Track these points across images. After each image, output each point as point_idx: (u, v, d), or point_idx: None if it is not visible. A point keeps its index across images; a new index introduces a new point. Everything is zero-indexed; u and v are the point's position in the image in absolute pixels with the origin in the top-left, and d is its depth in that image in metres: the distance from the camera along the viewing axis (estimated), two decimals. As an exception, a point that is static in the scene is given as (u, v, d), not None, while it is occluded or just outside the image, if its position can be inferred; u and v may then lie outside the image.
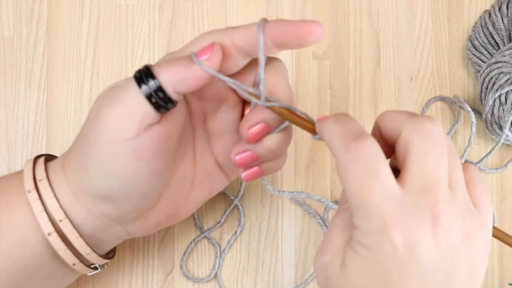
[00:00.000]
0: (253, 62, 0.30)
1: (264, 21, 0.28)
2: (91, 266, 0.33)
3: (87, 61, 0.43)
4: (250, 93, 0.29)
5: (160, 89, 0.27)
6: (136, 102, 0.27)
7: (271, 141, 0.31)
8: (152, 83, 0.27)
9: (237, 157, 0.31)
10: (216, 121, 0.32)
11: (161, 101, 0.27)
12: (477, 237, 0.25)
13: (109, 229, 0.32)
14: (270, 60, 0.31)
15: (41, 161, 0.32)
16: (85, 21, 0.43)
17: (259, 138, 0.30)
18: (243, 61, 0.29)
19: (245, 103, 0.32)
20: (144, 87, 0.27)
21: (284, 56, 0.44)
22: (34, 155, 0.42)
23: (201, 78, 0.27)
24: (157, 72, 0.27)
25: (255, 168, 0.32)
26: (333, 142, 0.25)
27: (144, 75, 0.27)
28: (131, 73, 0.43)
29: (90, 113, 0.30)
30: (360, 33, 0.44)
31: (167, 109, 0.28)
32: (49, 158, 0.34)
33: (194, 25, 0.44)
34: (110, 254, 0.35)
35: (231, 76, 0.30)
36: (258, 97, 0.29)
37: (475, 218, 0.25)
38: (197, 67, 0.27)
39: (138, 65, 0.43)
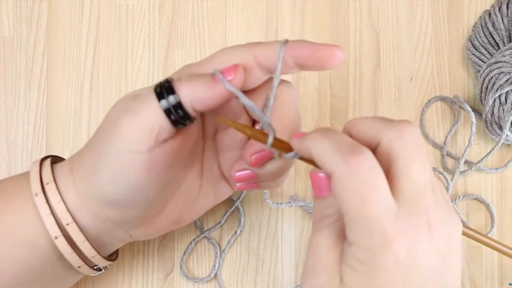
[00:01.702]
0: (268, 80, 0.30)
1: (286, 42, 0.28)
2: (95, 268, 0.33)
3: (87, 61, 0.43)
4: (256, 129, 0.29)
5: (179, 105, 0.27)
6: (154, 116, 0.27)
7: (273, 165, 0.31)
8: (172, 99, 0.27)
9: (237, 174, 0.32)
10: (226, 136, 0.33)
11: (179, 117, 0.28)
12: (455, 233, 0.25)
13: (112, 233, 0.32)
14: (282, 84, 0.31)
15: (48, 163, 0.32)
16: (85, 21, 0.43)
17: (261, 163, 0.31)
18: (263, 77, 0.30)
19: (254, 122, 0.33)
20: (163, 102, 0.27)
21: (284, 56, 0.44)
22: (34, 155, 0.42)
23: (222, 97, 0.28)
24: (178, 87, 0.27)
25: (252, 182, 0.33)
26: (326, 157, 0.24)
27: (165, 90, 0.27)
28: (131, 73, 0.43)
29: (106, 118, 0.29)
30: (360, 33, 0.44)
31: (184, 125, 0.28)
32: (55, 159, 0.34)
33: (194, 25, 0.44)
34: (113, 256, 0.36)
35: (249, 91, 0.30)
36: (265, 136, 0.28)
37: (451, 215, 0.25)
38: (219, 86, 0.27)
39: (138, 65, 0.43)
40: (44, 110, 0.42)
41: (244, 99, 0.28)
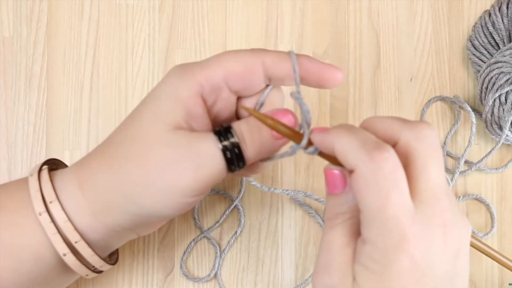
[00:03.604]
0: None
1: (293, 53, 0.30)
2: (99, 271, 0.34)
3: (87, 61, 0.43)
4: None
5: (243, 164, 0.29)
6: (219, 173, 0.28)
7: (257, 165, 0.32)
8: (241, 164, 0.29)
9: None
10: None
11: (236, 167, 0.29)
12: (465, 237, 0.25)
13: (123, 237, 0.33)
14: (275, 89, 0.32)
15: (46, 177, 0.31)
16: (85, 21, 0.43)
17: None
18: (263, 84, 0.31)
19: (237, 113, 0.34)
20: (232, 167, 0.29)
21: (284, 56, 0.44)
22: (34, 155, 0.42)
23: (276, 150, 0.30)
24: (246, 154, 0.29)
25: None
26: (351, 153, 0.24)
27: (235, 156, 0.28)
28: (131, 73, 0.43)
29: (146, 151, 0.29)
30: (360, 33, 0.44)
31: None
32: (52, 165, 0.33)
33: (194, 25, 0.44)
34: (115, 255, 0.36)
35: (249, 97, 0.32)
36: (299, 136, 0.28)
37: (463, 218, 0.25)
38: (278, 142, 0.29)
39: (138, 65, 0.43)
40: (44, 110, 0.42)
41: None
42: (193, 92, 0.29)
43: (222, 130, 0.29)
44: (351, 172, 0.24)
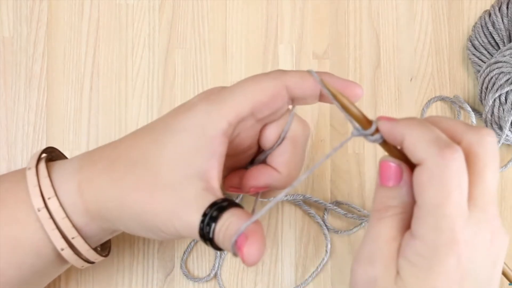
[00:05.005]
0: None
1: (312, 72, 0.29)
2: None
3: (87, 61, 0.43)
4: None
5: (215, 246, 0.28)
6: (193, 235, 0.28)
7: (262, 191, 0.33)
8: (213, 245, 0.28)
9: (230, 188, 0.34)
10: (232, 160, 0.33)
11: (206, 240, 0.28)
12: (505, 245, 0.26)
13: (116, 232, 0.33)
14: (298, 122, 0.32)
15: (44, 172, 0.31)
16: (85, 21, 0.43)
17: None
18: (286, 107, 0.30)
19: (253, 159, 0.34)
20: (201, 238, 0.28)
21: (284, 55, 0.44)
22: (34, 155, 0.42)
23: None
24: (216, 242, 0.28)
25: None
26: (422, 145, 0.24)
27: (209, 242, 0.28)
28: (131, 73, 0.43)
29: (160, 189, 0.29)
30: (360, 33, 0.44)
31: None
32: (49, 154, 0.33)
33: (194, 25, 0.44)
34: (107, 245, 0.36)
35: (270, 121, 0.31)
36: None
37: (502, 226, 0.26)
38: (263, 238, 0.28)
39: (138, 65, 0.43)
40: (44, 110, 0.42)
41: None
42: (220, 131, 0.28)
43: (217, 204, 0.27)
44: (411, 166, 0.25)
